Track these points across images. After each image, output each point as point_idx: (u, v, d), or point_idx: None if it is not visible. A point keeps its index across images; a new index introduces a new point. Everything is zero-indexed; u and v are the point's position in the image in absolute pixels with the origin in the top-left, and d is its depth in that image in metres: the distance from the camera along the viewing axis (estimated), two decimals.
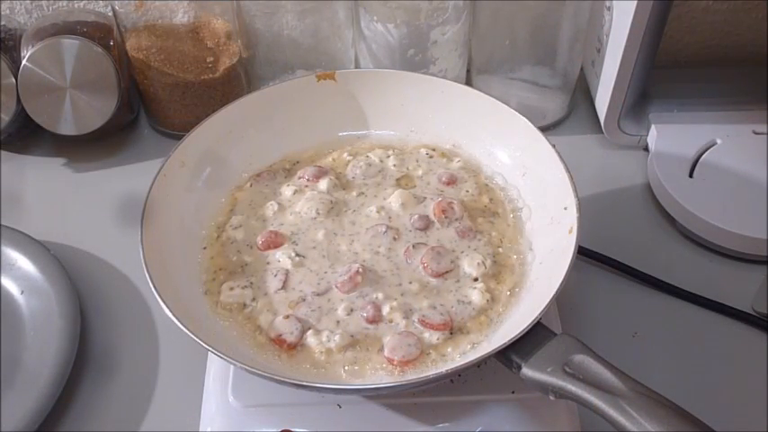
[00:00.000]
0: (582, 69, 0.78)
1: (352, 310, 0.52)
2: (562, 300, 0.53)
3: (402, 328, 0.51)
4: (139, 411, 0.57)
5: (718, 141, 0.71)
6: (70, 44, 0.68)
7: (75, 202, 0.73)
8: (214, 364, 0.54)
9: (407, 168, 0.63)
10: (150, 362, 0.60)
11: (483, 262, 0.55)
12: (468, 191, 0.61)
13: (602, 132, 0.75)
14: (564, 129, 0.79)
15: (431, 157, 0.64)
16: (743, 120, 0.73)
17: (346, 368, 0.50)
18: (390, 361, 0.50)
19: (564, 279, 0.48)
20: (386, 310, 0.52)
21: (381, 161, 0.63)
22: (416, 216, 0.58)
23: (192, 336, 0.46)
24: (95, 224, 0.71)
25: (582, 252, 0.65)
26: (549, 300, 0.47)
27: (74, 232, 0.70)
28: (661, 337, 0.61)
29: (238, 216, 0.60)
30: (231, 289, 0.54)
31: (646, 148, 0.75)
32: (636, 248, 0.67)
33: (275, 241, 0.57)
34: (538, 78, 0.76)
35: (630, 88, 0.70)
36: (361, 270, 0.54)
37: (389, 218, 0.58)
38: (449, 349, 0.51)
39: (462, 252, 0.56)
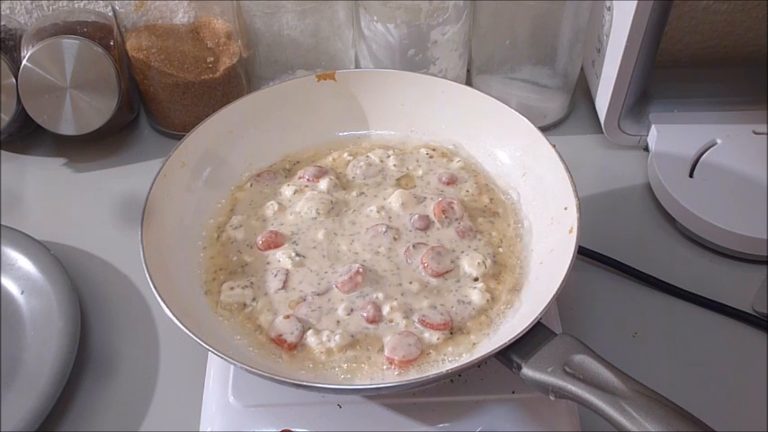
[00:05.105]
0: (582, 69, 0.78)
1: (352, 310, 0.52)
2: (562, 300, 0.53)
3: (402, 328, 0.51)
4: (139, 411, 0.57)
5: (719, 141, 0.71)
6: (70, 44, 0.68)
7: (76, 202, 0.73)
8: (214, 364, 0.54)
9: (407, 168, 0.63)
10: (150, 362, 0.60)
11: (483, 262, 0.55)
12: (468, 191, 0.61)
13: (603, 132, 0.75)
14: (564, 129, 0.79)
15: (431, 157, 0.64)
16: (743, 120, 0.73)
17: (347, 368, 0.50)
18: (391, 361, 0.50)
19: (564, 279, 0.48)
20: (386, 309, 0.52)
21: (381, 161, 0.63)
22: (416, 216, 0.58)
23: (192, 336, 0.46)
24: (95, 224, 0.71)
25: (582, 252, 0.65)
26: (549, 300, 0.47)
27: (74, 232, 0.70)
28: (661, 337, 0.61)
29: (238, 216, 0.60)
30: (231, 289, 0.54)
31: (646, 148, 0.75)
32: (636, 248, 0.67)
33: (275, 241, 0.57)
34: (538, 78, 0.76)
35: (630, 88, 0.70)
36: (361, 270, 0.54)
37: (389, 218, 0.58)
38: (449, 349, 0.51)
39: (462, 252, 0.56)
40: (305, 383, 0.47)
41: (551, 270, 0.52)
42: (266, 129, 0.64)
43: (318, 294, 0.53)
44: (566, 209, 0.54)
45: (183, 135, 0.60)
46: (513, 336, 0.46)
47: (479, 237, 0.57)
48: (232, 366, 0.52)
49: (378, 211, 0.59)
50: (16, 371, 0.57)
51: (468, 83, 0.78)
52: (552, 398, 0.44)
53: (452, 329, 0.52)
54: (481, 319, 0.52)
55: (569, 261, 0.49)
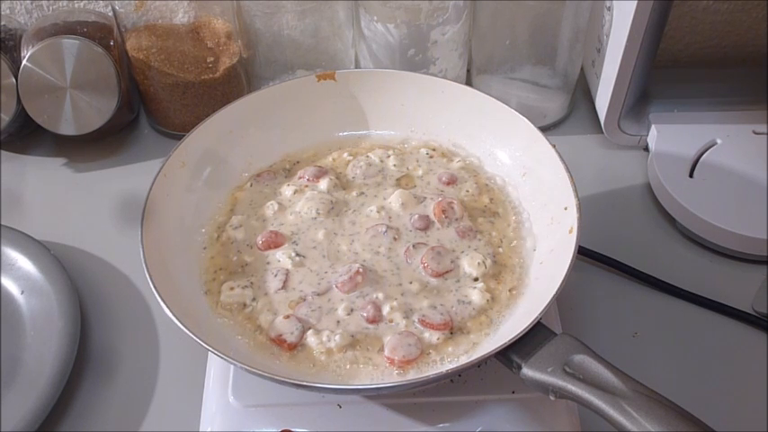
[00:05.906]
0: (582, 69, 0.78)
1: (352, 310, 0.52)
2: (562, 300, 0.53)
3: (402, 328, 0.51)
4: (139, 411, 0.57)
5: (719, 141, 0.71)
6: (70, 44, 0.68)
7: (76, 202, 0.73)
8: (214, 364, 0.54)
9: (407, 168, 0.63)
10: (150, 362, 0.60)
11: (483, 262, 0.55)
12: (468, 191, 0.61)
13: (603, 132, 0.75)
14: (564, 129, 0.79)
15: (431, 157, 0.64)
16: (743, 120, 0.73)
17: (347, 368, 0.50)
18: (391, 361, 0.50)
19: (564, 279, 0.48)
20: (386, 309, 0.52)
21: (381, 161, 0.63)
22: (416, 216, 0.58)
23: (192, 336, 0.46)
24: (95, 224, 0.71)
25: (582, 252, 0.65)
26: (549, 300, 0.47)
27: (74, 232, 0.70)
28: (661, 337, 0.61)
29: (238, 216, 0.60)
30: (231, 289, 0.54)
31: (646, 148, 0.75)
32: (636, 248, 0.67)
33: (275, 241, 0.57)
34: (538, 78, 0.76)
35: (630, 88, 0.70)
36: (361, 270, 0.54)
37: (389, 218, 0.58)
38: (449, 349, 0.51)
39: (462, 252, 0.56)
40: (305, 383, 0.47)
41: (551, 270, 0.52)
42: (266, 129, 0.64)
43: (318, 294, 0.53)
44: (566, 209, 0.54)
45: (183, 135, 0.60)
46: (513, 336, 0.46)
47: (479, 237, 0.57)
48: (232, 366, 0.52)
49: (378, 211, 0.59)
50: (16, 371, 0.57)
51: (469, 83, 0.78)
52: (552, 398, 0.44)
53: (452, 329, 0.52)
54: (481, 319, 0.52)
55: (569, 261, 0.49)
